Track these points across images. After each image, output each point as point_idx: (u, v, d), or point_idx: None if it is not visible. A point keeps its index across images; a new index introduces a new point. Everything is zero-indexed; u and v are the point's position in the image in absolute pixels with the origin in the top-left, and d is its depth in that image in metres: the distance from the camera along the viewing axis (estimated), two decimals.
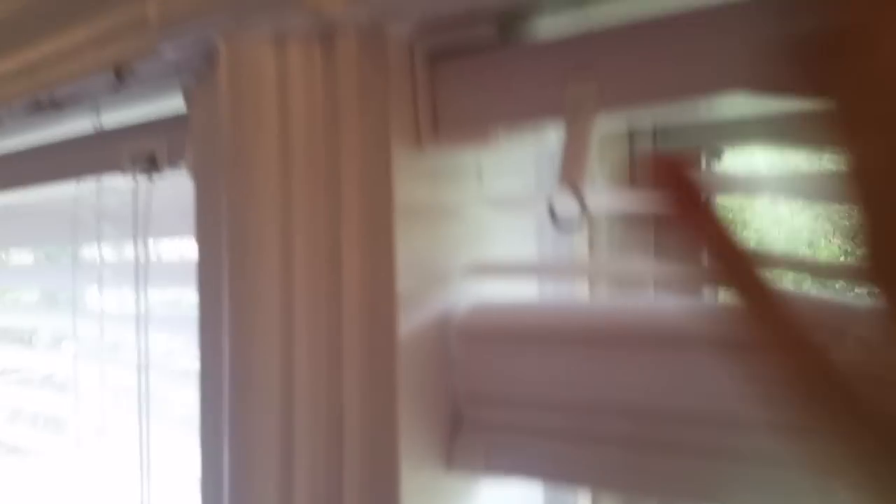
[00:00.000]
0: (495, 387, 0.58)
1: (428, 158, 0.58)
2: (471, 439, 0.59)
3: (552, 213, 0.52)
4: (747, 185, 0.63)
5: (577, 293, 0.68)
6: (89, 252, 0.97)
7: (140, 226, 0.79)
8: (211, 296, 0.64)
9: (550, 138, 0.61)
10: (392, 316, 0.55)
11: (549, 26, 0.54)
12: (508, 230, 0.67)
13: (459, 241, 0.62)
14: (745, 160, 0.75)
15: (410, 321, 0.56)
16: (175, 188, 0.82)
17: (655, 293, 0.66)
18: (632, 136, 0.68)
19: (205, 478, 0.65)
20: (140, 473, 0.83)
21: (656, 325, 0.51)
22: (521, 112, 0.53)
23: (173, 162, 0.75)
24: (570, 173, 0.49)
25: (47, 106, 0.81)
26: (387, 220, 0.55)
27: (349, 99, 0.56)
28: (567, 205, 0.52)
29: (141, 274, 0.80)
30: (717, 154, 0.72)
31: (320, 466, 0.57)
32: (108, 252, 0.92)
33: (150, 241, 0.82)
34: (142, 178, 0.78)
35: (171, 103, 0.77)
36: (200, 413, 0.66)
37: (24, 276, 1.21)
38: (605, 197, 0.55)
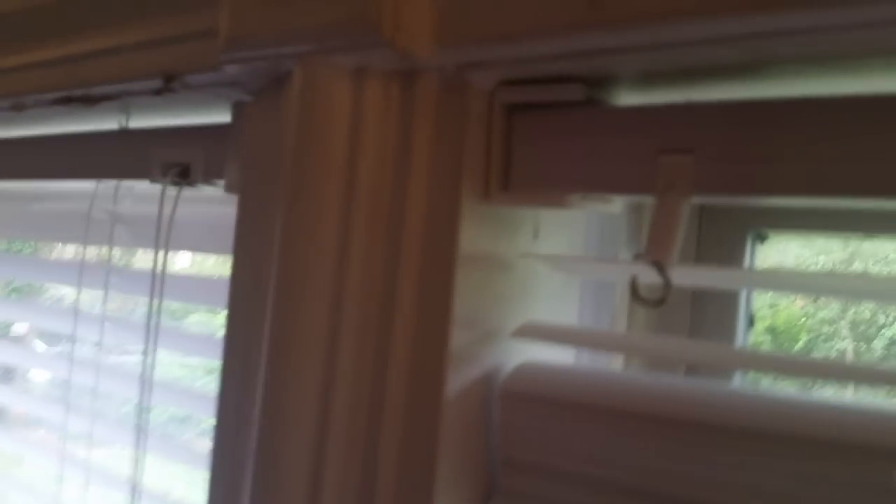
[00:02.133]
0: (533, 455, 0.56)
1: (491, 210, 0.56)
2: None
3: (635, 290, 0.50)
4: (786, 282, 0.62)
5: (613, 365, 0.66)
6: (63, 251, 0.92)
7: (162, 236, 0.75)
8: (242, 321, 0.61)
9: (618, 204, 0.60)
10: (441, 373, 0.52)
11: (642, 95, 0.53)
12: (553, 289, 0.65)
13: (510, 297, 0.59)
14: (786, 248, 0.75)
15: (458, 380, 0.54)
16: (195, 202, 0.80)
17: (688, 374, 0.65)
18: None
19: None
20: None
21: (711, 413, 0.49)
22: (605, 181, 0.51)
23: (209, 176, 0.72)
24: (657, 252, 0.48)
25: (78, 100, 0.77)
26: (447, 271, 0.53)
27: (422, 142, 0.53)
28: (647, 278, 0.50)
29: (157, 286, 0.76)
30: (761, 238, 0.72)
31: None
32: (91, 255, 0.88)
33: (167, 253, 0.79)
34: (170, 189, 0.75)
35: (211, 112, 0.75)
36: (214, 443, 0.62)
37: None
38: (693, 276, 0.54)
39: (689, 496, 0.49)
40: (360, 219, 0.54)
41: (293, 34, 0.52)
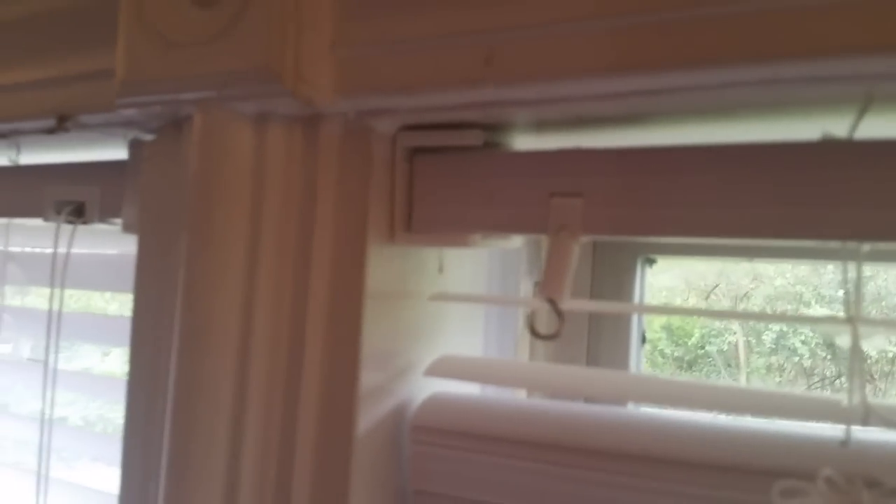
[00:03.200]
0: (442, 486, 0.57)
1: (397, 250, 0.58)
2: None
3: (532, 326, 0.53)
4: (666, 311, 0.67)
5: (517, 393, 0.69)
6: None
7: (58, 275, 0.73)
8: (146, 364, 0.60)
9: (518, 241, 0.63)
10: (351, 413, 0.54)
11: (538, 138, 0.56)
12: (460, 320, 0.67)
13: (418, 332, 0.61)
14: (674, 270, 0.80)
15: (369, 417, 0.55)
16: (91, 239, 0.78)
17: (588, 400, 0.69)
18: None
19: None
20: None
21: (606, 439, 0.52)
22: (502, 222, 0.53)
23: (105, 215, 0.71)
24: (551, 289, 0.50)
25: None
26: (355, 312, 0.54)
27: (327, 185, 0.55)
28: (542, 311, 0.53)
29: (54, 325, 0.74)
30: (650, 262, 0.77)
31: None
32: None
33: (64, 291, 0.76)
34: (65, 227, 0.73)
35: (105, 149, 0.73)
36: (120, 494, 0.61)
37: None
38: (583, 305, 0.57)
39: None
40: (266, 262, 0.54)
41: (192, 81, 0.52)
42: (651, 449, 0.50)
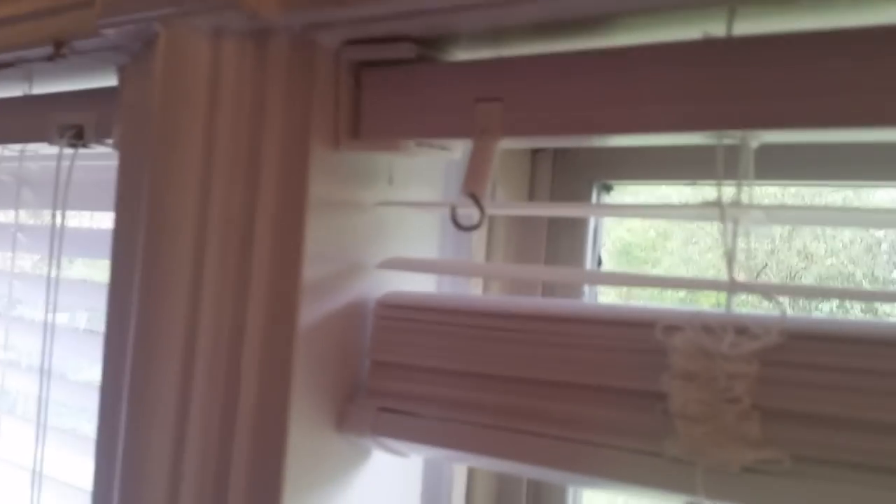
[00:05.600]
0: (396, 356, 0.63)
1: (344, 158, 0.63)
2: (362, 404, 0.63)
3: (454, 217, 0.57)
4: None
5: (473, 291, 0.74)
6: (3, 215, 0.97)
7: (60, 195, 0.81)
8: (124, 267, 0.67)
9: (458, 151, 0.68)
10: (295, 303, 0.59)
11: (468, 51, 0.60)
12: (414, 231, 0.72)
13: (370, 236, 0.66)
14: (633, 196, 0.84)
15: (314, 308, 0.61)
16: (98, 162, 0.85)
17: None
18: (534, 153, 0.76)
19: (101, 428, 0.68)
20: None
21: (541, 308, 0.58)
22: (432, 128, 0.58)
23: (100, 136, 0.78)
24: (472, 185, 0.55)
25: None
26: (299, 213, 0.60)
27: (275, 96, 0.60)
28: (469, 211, 0.58)
29: (56, 242, 0.81)
30: (607, 188, 0.80)
31: (213, 424, 0.61)
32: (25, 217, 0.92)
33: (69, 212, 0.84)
34: (67, 150, 0.80)
35: (103, 77, 0.80)
36: (103, 370, 0.68)
37: None
38: (504, 207, 0.62)
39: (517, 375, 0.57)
40: (220, 167, 0.60)
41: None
42: (572, 311, 0.57)
